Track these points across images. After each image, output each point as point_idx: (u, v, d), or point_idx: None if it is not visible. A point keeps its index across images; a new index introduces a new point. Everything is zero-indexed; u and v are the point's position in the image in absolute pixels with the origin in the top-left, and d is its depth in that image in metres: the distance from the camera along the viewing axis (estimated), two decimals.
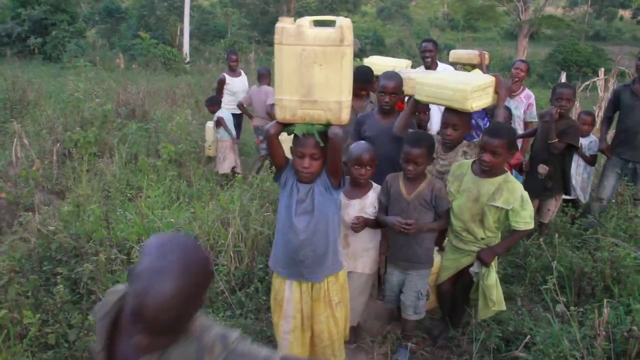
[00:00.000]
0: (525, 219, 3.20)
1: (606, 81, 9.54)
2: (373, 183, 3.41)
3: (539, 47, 34.16)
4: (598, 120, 6.70)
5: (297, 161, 2.76)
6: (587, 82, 9.67)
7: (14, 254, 3.85)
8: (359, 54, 28.92)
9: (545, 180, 4.73)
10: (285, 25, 2.61)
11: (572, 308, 3.22)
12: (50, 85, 11.78)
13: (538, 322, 3.57)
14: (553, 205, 4.98)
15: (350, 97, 2.69)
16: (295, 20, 2.64)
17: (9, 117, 8.77)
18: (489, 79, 3.58)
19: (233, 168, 7.16)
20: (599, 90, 9.55)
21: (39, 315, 3.23)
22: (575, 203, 5.52)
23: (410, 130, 3.81)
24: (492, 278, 3.33)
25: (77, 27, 22.81)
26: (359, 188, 3.38)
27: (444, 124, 3.61)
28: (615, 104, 5.46)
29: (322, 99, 2.61)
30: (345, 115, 2.66)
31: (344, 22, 2.56)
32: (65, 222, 4.36)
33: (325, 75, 2.56)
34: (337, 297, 3.02)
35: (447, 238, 3.64)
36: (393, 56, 5.93)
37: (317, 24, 2.64)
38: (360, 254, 3.41)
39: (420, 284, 3.46)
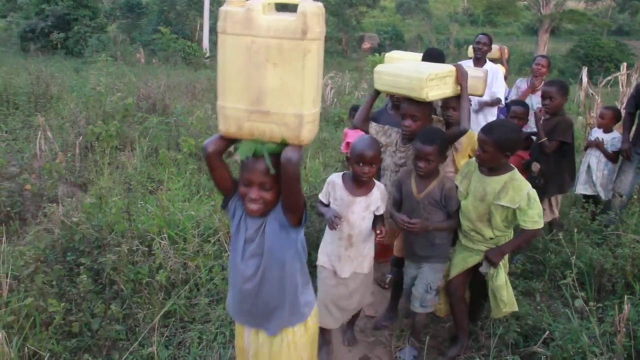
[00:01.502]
0: (533, 218, 3.10)
1: (628, 76, 9.40)
2: (376, 181, 3.28)
3: (560, 42, 33.76)
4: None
5: (242, 190, 2.17)
6: (609, 77, 9.52)
7: (38, 244, 3.93)
8: (378, 48, 28.86)
9: (538, 178, 4.62)
10: (231, 8, 1.99)
11: (591, 304, 3.21)
12: (73, 80, 11.92)
13: (557, 318, 3.56)
14: (547, 205, 4.83)
15: (316, 110, 2.09)
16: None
17: (33, 111, 8.91)
18: (448, 69, 3.51)
19: None
20: (621, 86, 9.42)
21: (63, 304, 3.30)
22: (596, 199, 5.48)
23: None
24: (501, 278, 3.29)
25: (99, 22, 23.10)
26: (363, 185, 3.20)
27: (402, 115, 3.57)
28: (637, 99, 5.35)
29: (276, 110, 1.99)
30: (307, 134, 2.03)
31: (308, 8, 1.93)
32: (87, 214, 4.43)
33: (281, 78, 1.96)
34: (305, 353, 2.46)
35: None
36: (412, 51, 5.90)
37: (281, 9, 2.13)
38: (365, 254, 3.28)
39: (431, 277, 3.43)
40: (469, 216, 3.32)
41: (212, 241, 4.17)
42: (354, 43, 31.93)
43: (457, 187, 3.41)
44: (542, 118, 4.65)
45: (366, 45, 31.85)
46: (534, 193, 3.13)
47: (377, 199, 3.19)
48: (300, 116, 1.99)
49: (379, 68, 3.61)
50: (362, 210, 3.16)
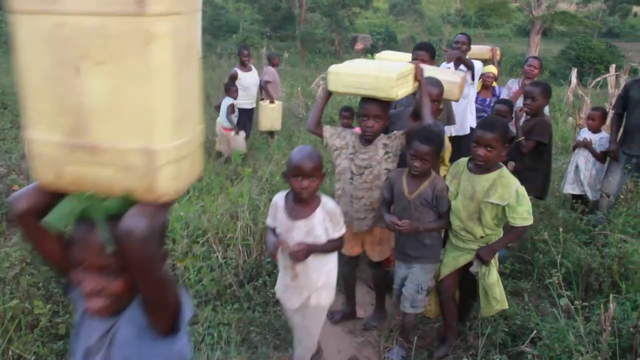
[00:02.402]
0: (522, 215, 3.12)
1: (617, 77, 9.47)
2: (322, 197, 2.87)
3: (552, 44, 33.88)
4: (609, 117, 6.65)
5: (75, 276, 1.35)
6: (598, 79, 9.58)
7: (25, 245, 3.90)
8: (370, 49, 28.89)
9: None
10: None
11: (576, 302, 3.22)
12: None
13: (545, 318, 3.57)
14: None
15: (185, 140, 1.27)
16: None
17: (22, 111, 8.85)
18: (409, 67, 3.48)
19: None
20: (610, 87, 9.48)
21: (49, 306, 3.28)
22: (583, 199, 5.50)
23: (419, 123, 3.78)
24: (493, 276, 3.30)
25: None
26: (303, 205, 2.82)
27: (365, 116, 3.39)
28: (624, 100, 5.38)
29: (108, 144, 1.20)
30: (166, 182, 1.23)
31: None
32: None
33: (112, 88, 1.16)
34: None
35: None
36: (405, 52, 5.91)
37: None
38: (313, 285, 2.91)
39: (422, 278, 3.42)
40: (459, 215, 3.33)
41: (201, 242, 4.16)
42: (346, 44, 31.91)
43: (447, 187, 3.41)
44: (523, 118, 4.68)
45: (359, 46, 31.85)
46: (522, 190, 3.14)
47: (320, 221, 2.80)
48: (150, 153, 1.19)
49: (334, 69, 3.43)
50: (302, 236, 2.79)
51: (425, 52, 4.88)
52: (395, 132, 3.50)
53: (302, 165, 2.69)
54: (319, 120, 3.61)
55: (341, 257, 3.38)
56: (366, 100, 3.38)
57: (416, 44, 5.21)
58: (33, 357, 2.97)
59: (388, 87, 3.22)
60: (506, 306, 3.37)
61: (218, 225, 4.40)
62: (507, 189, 3.14)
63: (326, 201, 2.85)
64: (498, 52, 7.39)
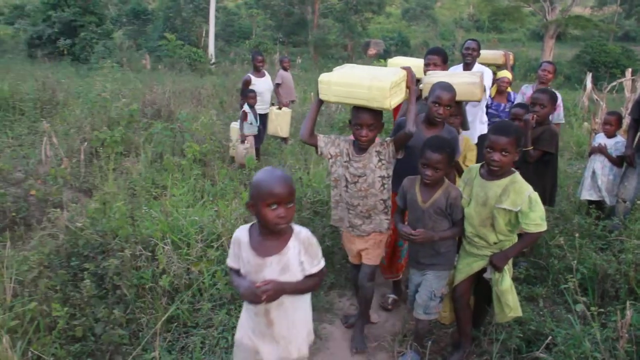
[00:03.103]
0: (535, 221, 3.07)
1: (634, 82, 9.39)
2: (294, 227, 2.41)
3: (566, 48, 33.72)
4: (625, 122, 6.61)
5: None
6: (614, 83, 9.51)
7: (43, 249, 3.95)
8: (383, 54, 28.91)
9: None
10: None
11: (592, 308, 3.20)
12: (79, 86, 12.01)
13: (560, 323, 3.55)
14: None
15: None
16: None
17: (39, 117, 8.98)
18: (401, 73, 3.40)
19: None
20: (626, 91, 9.41)
21: (66, 308, 3.32)
22: (600, 205, 5.46)
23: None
24: (506, 283, 3.26)
25: (105, 29, 23.25)
26: (274, 238, 2.36)
27: (358, 125, 3.32)
28: None
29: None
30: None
31: None
32: (92, 219, 4.46)
33: None
34: None
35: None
36: (418, 57, 5.94)
37: None
38: (291, 334, 2.47)
39: (435, 285, 3.40)
40: (472, 222, 3.31)
41: (215, 246, 4.19)
42: (359, 49, 31.98)
43: (461, 195, 3.40)
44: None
45: (372, 51, 31.91)
46: (535, 195, 3.10)
47: (295, 254, 2.36)
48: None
49: (325, 78, 3.34)
50: (276, 275, 2.33)
51: (438, 56, 4.87)
52: (387, 138, 3.48)
53: (279, 191, 2.24)
54: (312, 130, 3.52)
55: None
56: (359, 109, 3.32)
57: (428, 49, 5.20)
58: (52, 358, 3.01)
59: (381, 97, 3.15)
60: (520, 314, 3.33)
61: (232, 229, 4.41)
62: (520, 194, 3.10)
63: (299, 230, 2.41)
64: (511, 57, 7.36)
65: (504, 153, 3.10)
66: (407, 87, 3.48)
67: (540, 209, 3.09)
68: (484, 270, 3.39)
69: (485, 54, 6.98)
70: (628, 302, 3.19)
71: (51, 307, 3.26)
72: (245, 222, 4.53)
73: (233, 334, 3.45)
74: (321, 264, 2.42)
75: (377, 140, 3.44)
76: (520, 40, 38.68)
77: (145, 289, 3.72)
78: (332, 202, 3.65)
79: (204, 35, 26.61)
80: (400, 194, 3.47)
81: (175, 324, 3.63)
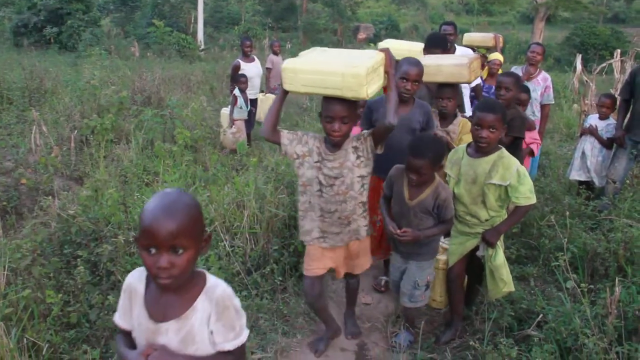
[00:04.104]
0: (524, 194, 3.14)
1: (623, 63, 9.43)
2: (209, 279, 1.74)
3: (556, 31, 33.72)
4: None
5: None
6: (603, 65, 9.54)
7: (35, 237, 3.94)
8: (373, 39, 28.80)
9: None
10: None
11: (582, 285, 3.24)
12: (67, 74, 11.90)
13: (550, 301, 3.59)
14: None
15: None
16: None
17: (27, 106, 8.90)
18: (378, 57, 2.96)
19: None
20: (615, 72, 9.45)
21: (60, 295, 3.32)
22: (589, 185, 5.51)
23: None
24: (499, 258, 3.32)
25: (92, 16, 22.95)
26: (174, 294, 1.69)
27: (330, 118, 2.91)
28: (631, 86, 5.36)
29: None
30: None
31: None
32: (84, 207, 4.45)
33: None
34: None
35: None
36: (408, 41, 5.93)
37: None
38: None
39: (418, 275, 3.35)
40: (463, 201, 3.35)
41: (208, 231, 4.18)
42: (349, 33, 31.83)
43: (449, 176, 3.41)
44: None
45: (362, 35, 31.78)
46: (523, 169, 3.17)
47: (203, 320, 1.69)
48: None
49: (290, 65, 2.89)
50: (175, 346, 1.68)
51: (452, 26, 4.85)
52: (364, 132, 3.11)
53: (156, 229, 1.55)
54: (274, 126, 3.06)
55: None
56: (330, 99, 2.89)
57: (443, 21, 5.09)
58: (46, 345, 3.02)
59: (357, 85, 2.74)
60: (512, 288, 3.41)
61: (225, 215, 4.43)
62: (508, 169, 3.17)
63: (214, 285, 1.73)
64: (501, 39, 7.36)
65: (491, 130, 3.15)
66: (386, 72, 3.04)
67: (528, 182, 3.17)
68: (476, 249, 3.44)
69: (476, 36, 7.00)
70: (617, 279, 3.24)
71: (45, 294, 3.26)
72: (238, 207, 4.54)
73: None
74: (241, 337, 1.73)
75: (353, 134, 3.07)
76: (510, 23, 38.66)
77: None
78: (299, 212, 3.22)
79: (192, 21, 26.37)
80: (387, 183, 3.39)
81: None
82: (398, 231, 3.19)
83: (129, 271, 3.67)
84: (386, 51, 3.03)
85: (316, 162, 3.05)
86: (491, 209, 3.29)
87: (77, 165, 6.39)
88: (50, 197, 4.53)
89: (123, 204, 4.47)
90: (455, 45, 5.84)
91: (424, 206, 3.19)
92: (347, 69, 2.74)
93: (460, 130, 4.12)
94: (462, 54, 5.74)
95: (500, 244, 3.36)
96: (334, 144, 3.00)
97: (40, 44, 21.54)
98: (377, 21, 34.87)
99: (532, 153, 5.09)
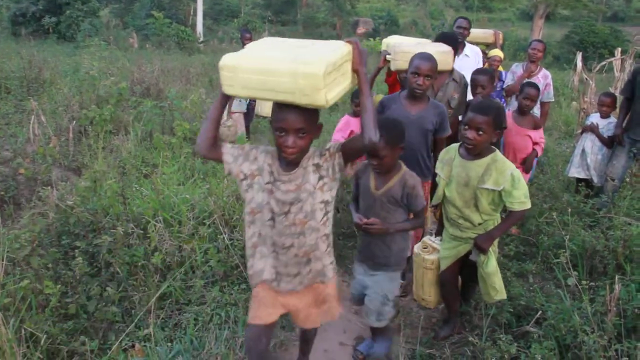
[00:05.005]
0: (519, 199, 3.02)
1: (622, 61, 9.43)
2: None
3: (555, 28, 33.71)
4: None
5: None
6: (603, 63, 9.55)
7: (33, 227, 3.93)
8: (372, 33, 28.75)
9: None
10: None
11: (583, 282, 3.25)
12: (65, 64, 11.85)
13: (550, 298, 3.60)
14: None
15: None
16: None
17: (25, 95, 8.87)
18: (343, 51, 2.24)
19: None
20: (615, 71, 9.45)
21: (59, 286, 3.31)
22: (588, 183, 5.52)
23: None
24: (491, 265, 3.21)
25: (91, 7, 22.87)
26: None
27: (281, 130, 2.26)
28: (633, 84, 5.35)
29: None
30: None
31: None
32: (82, 198, 4.43)
33: None
34: None
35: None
36: (407, 36, 5.91)
37: None
38: None
39: (387, 287, 3.08)
40: (455, 203, 3.23)
41: (208, 224, 4.18)
42: (348, 28, 31.76)
43: (439, 176, 3.31)
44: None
45: (361, 30, 31.70)
46: (517, 173, 3.05)
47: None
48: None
49: (229, 61, 2.22)
50: None
51: (466, 20, 4.79)
52: (330, 145, 2.42)
53: None
54: (213, 138, 2.39)
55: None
56: (282, 106, 2.24)
57: (458, 16, 5.02)
58: (44, 336, 3.00)
59: (311, 88, 2.08)
60: (504, 296, 3.30)
61: (224, 207, 4.41)
62: (502, 173, 3.04)
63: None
64: (500, 36, 7.35)
65: (479, 132, 3.01)
66: (355, 70, 2.32)
67: (523, 187, 3.06)
68: (469, 253, 3.34)
69: (476, 32, 6.97)
70: (617, 277, 3.24)
71: (43, 285, 3.25)
72: (237, 199, 4.53)
73: (227, 311, 3.48)
74: None
75: (313, 149, 2.41)
76: (509, 19, 38.60)
77: (137, 267, 3.72)
78: (247, 248, 2.53)
79: (191, 13, 26.29)
80: (354, 181, 3.19)
81: (168, 301, 3.63)
82: (365, 220, 2.93)
83: (127, 263, 3.71)
84: (354, 43, 2.31)
85: (268, 183, 2.38)
86: (484, 212, 3.17)
87: (75, 156, 6.36)
88: (48, 188, 4.51)
89: (122, 195, 4.45)
90: (466, 43, 5.84)
91: (391, 195, 2.98)
92: (298, 67, 2.08)
93: None
94: (470, 51, 5.75)
95: (493, 249, 3.25)
96: (289, 161, 2.35)
97: (38, 34, 21.46)
98: (377, 16, 34.79)
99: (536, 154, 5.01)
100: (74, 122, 6.88)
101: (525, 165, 4.86)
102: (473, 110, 3.05)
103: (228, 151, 2.42)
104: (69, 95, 8.07)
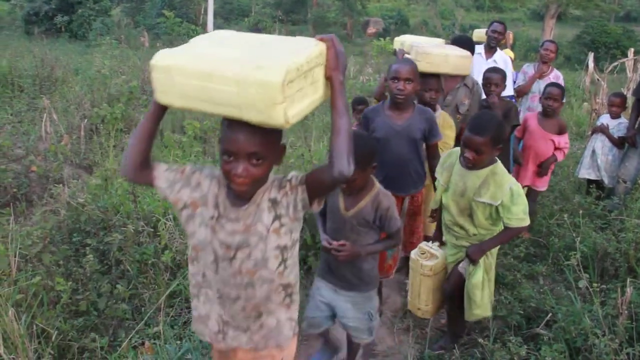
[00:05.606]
0: (517, 215, 2.87)
1: (635, 62, 9.35)
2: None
3: (566, 28, 33.45)
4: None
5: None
6: (615, 63, 9.47)
7: (45, 224, 3.96)
8: (383, 33, 28.68)
9: None
10: None
11: (594, 284, 3.22)
12: (77, 63, 11.93)
13: (560, 301, 3.58)
14: None
15: None
16: None
17: (38, 94, 8.93)
18: (314, 51, 1.66)
19: None
20: (628, 71, 9.38)
21: (70, 283, 3.33)
22: (600, 184, 5.48)
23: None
24: (477, 277, 3.06)
25: (103, 6, 22.99)
26: None
27: (229, 154, 1.71)
28: None
29: None
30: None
31: None
32: (93, 196, 4.46)
33: None
34: None
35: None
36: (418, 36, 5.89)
37: None
38: None
39: (370, 305, 2.89)
40: (450, 210, 3.12)
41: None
42: (358, 28, 31.72)
43: (438, 181, 3.22)
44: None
45: (371, 30, 31.64)
46: (517, 188, 2.90)
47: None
48: None
49: (163, 60, 1.67)
50: None
51: (502, 25, 4.93)
52: (291, 175, 1.84)
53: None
54: (144, 157, 1.84)
55: None
56: (231, 123, 1.68)
57: (493, 20, 4.89)
58: (56, 332, 3.03)
59: (266, 102, 1.52)
60: (488, 313, 3.18)
61: None
62: (500, 187, 2.89)
63: None
64: (511, 36, 7.32)
65: (477, 152, 2.87)
66: (328, 77, 1.74)
67: (523, 202, 2.90)
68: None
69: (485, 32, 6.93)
70: (628, 280, 3.22)
71: (55, 282, 3.28)
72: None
73: None
74: None
75: (272, 178, 1.85)
76: (520, 19, 38.31)
77: (147, 265, 3.74)
78: (191, 285, 1.99)
79: (202, 12, 26.33)
80: None
81: (178, 299, 3.65)
82: (335, 243, 2.62)
83: (137, 260, 3.73)
84: (329, 41, 1.71)
85: (212, 218, 1.85)
86: (480, 226, 3.04)
87: (86, 154, 6.40)
88: (60, 185, 4.55)
89: (132, 193, 4.48)
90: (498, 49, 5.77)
91: (363, 217, 2.70)
92: (248, 73, 1.52)
93: (441, 124, 3.85)
94: (500, 58, 5.70)
95: (486, 264, 3.10)
96: (239, 194, 1.80)
97: (50, 33, 21.58)
98: (387, 16, 34.70)
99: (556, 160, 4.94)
100: (86, 120, 6.93)
101: (541, 168, 4.79)
102: (470, 131, 2.88)
103: (162, 175, 1.88)
104: (81, 94, 8.13)
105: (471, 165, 2.93)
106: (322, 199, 1.86)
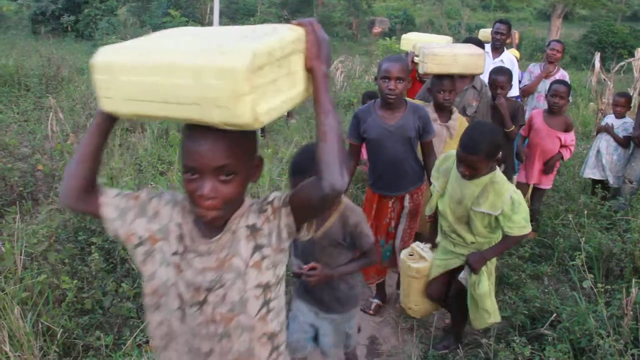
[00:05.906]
0: (519, 224, 2.79)
1: None
2: None
3: (573, 28, 33.33)
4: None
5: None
6: (622, 63, 9.44)
7: (51, 223, 3.98)
8: (389, 33, 28.66)
9: (500, 165, 4.46)
10: None
11: (599, 285, 3.22)
12: (83, 62, 11.96)
13: (565, 301, 3.57)
14: None
15: None
16: None
17: (44, 93, 8.98)
18: (290, 35, 1.35)
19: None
20: (635, 71, 9.34)
21: (75, 281, 3.35)
22: (605, 185, 5.46)
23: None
24: (483, 286, 3.00)
25: (109, 5, 23.09)
26: None
27: (191, 169, 1.38)
28: None
29: None
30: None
31: None
32: None
33: None
34: None
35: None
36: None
37: None
38: None
39: (348, 325, 2.78)
40: (446, 217, 3.04)
41: None
42: (364, 27, 31.70)
43: (433, 186, 3.13)
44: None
45: (377, 29, 31.60)
46: (518, 196, 2.83)
47: None
48: None
49: (102, 57, 1.36)
50: None
51: (506, 25, 4.92)
52: (273, 196, 1.49)
53: None
54: (89, 179, 1.48)
55: None
56: (194, 130, 1.36)
57: (497, 19, 4.79)
58: (61, 330, 3.05)
59: (229, 94, 1.19)
60: (498, 319, 3.11)
61: None
62: (500, 196, 2.81)
63: None
64: (517, 35, 7.29)
65: (472, 168, 2.80)
66: (309, 68, 1.41)
67: (524, 210, 2.83)
68: (459, 269, 3.12)
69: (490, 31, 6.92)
70: (633, 280, 3.21)
71: (60, 280, 3.30)
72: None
73: None
74: None
75: (250, 202, 1.50)
76: (526, 19, 38.18)
77: None
78: (154, 338, 1.57)
79: (208, 12, 26.39)
80: None
81: None
82: (305, 267, 2.46)
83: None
84: (308, 26, 1.40)
85: (175, 253, 1.47)
86: (479, 235, 2.97)
87: None
88: None
89: None
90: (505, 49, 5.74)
91: (331, 237, 2.52)
92: (206, 59, 1.21)
93: (459, 127, 3.81)
94: (506, 58, 5.67)
95: (485, 270, 3.02)
96: (208, 221, 1.42)
97: (57, 32, 21.69)
98: (393, 15, 34.65)
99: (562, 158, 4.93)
100: (91, 119, 6.95)
101: (546, 166, 4.78)
102: (462, 149, 2.78)
103: (110, 202, 1.50)
104: (87, 93, 8.17)
105: (468, 178, 2.86)
106: (312, 222, 1.60)
